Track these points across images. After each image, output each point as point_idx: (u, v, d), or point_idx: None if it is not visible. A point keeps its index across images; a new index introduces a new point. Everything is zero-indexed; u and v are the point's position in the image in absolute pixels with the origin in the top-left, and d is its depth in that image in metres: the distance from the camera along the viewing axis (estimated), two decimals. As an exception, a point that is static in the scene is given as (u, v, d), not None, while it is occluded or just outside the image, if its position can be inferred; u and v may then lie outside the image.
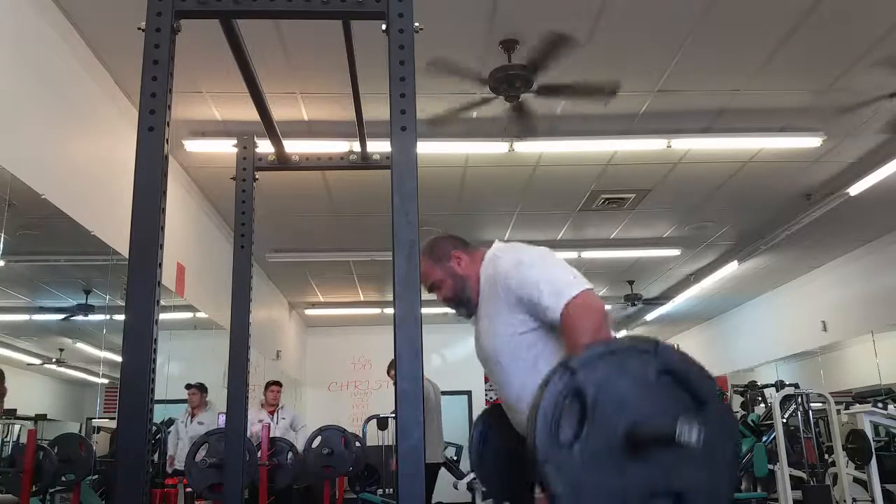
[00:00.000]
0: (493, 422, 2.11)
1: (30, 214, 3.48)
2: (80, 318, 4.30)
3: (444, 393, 5.54)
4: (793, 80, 4.33)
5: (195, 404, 5.68)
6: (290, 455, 5.14)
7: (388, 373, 5.58)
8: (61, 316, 4.33)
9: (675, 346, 6.23)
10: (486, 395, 10.62)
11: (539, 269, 1.84)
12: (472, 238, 2.21)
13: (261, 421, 5.82)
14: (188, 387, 5.69)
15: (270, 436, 5.12)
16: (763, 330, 9.87)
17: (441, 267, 2.04)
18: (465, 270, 2.03)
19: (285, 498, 6.25)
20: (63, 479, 3.72)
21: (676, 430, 1.11)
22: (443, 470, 7.05)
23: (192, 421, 5.63)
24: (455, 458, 7.53)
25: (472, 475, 7.13)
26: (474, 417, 10.30)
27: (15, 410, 3.85)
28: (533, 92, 4.09)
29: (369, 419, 7.70)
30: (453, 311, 2.13)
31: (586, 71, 4.06)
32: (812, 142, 4.98)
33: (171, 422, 5.70)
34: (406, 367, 1.27)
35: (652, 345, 1.26)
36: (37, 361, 4.34)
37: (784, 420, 5.61)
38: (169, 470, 5.32)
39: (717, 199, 6.18)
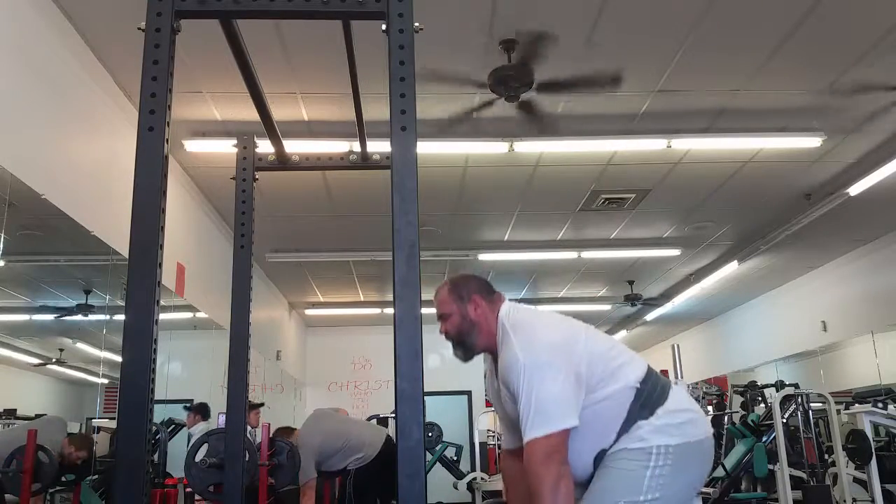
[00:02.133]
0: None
1: (30, 214, 3.48)
2: (79, 318, 4.30)
3: (444, 393, 5.55)
4: (793, 80, 4.33)
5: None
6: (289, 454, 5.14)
7: None
8: (62, 316, 4.32)
9: (677, 350, 6.12)
10: (487, 395, 10.62)
11: (527, 380, 1.77)
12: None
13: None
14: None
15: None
16: (763, 330, 9.87)
17: (458, 304, 2.02)
18: (477, 317, 2.00)
19: (285, 498, 6.24)
20: (63, 479, 3.72)
21: None
22: (443, 470, 7.06)
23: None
24: (455, 458, 7.52)
25: (472, 475, 7.14)
26: (474, 417, 10.34)
27: (15, 410, 3.85)
28: (535, 90, 4.10)
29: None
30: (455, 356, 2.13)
31: (586, 70, 4.06)
32: (812, 142, 4.98)
33: (170, 422, 5.70)
34: (406, 367, 1.27)
35: None
36: (37, 361, 4.33)
37: (784, 420, 5.61)
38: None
39: (717, 199, 6.18)
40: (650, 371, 1.88)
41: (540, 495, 1.67)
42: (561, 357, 1.80)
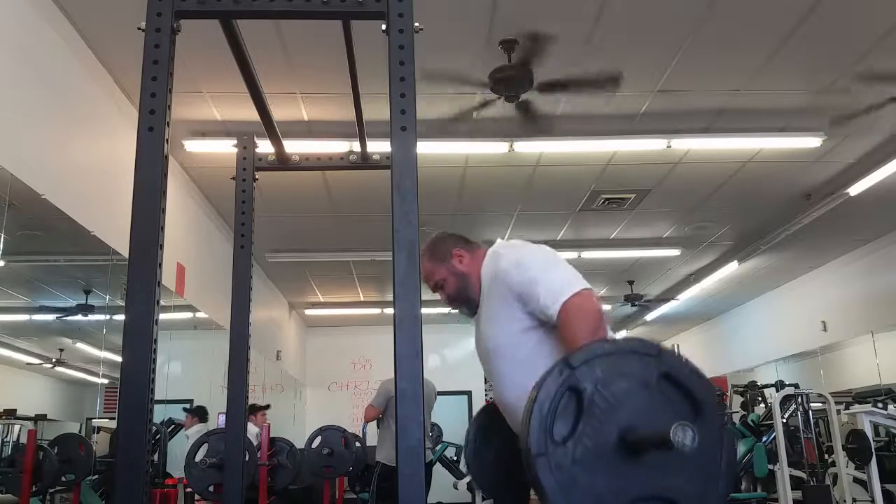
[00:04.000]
0: (489, 421, 2.10)
1: (30, 214, 3.48)
2: (79, 318, 4.30)
3: (444, 393, 5.55)
4: (793, 80, 4.33)
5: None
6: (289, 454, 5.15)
7: None
8: (62, 316, 4.32)
9: (677, 350, 6.22)
10: (486, 395, 10.62)
11: (538, 268, 1.83)
12: (472, 238, 2.20)
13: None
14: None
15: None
16: (763, 330, 9.87)
17: (444, 266, 2.03)
18: (466, 268, 2.01)
19: (285, 498, 6.25)
20: (63, 479, 3.72)
21: (671, 435, 1.10)
22: (443, 470, 7.06)
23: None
24: (455, 458, 7.52)
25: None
26: (474, 417, 10.34)
27: (15, 410, 3.85)
28: (535, 90, 4.09)
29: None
30: (455, 310, 2.12)
31: (586, 71, 4.06)
32: (812, 142, 4.98)
33: (170, 422, 5.70)
34: (406, 367, 1.27)
35: (654, 348, 1.26)
36: (37, 361, 4.33)
37: (784, 420, 5.61)
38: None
39: (717, 199, 6.18)
40: None
41: (577, 335, 1.67)
42: (558, 255, 1.90)
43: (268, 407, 6.40)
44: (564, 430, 1.17)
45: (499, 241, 2.05)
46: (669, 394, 1.23)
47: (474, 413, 10.59)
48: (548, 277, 1.79)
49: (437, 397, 5.82)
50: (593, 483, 1.17)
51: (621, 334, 11.76)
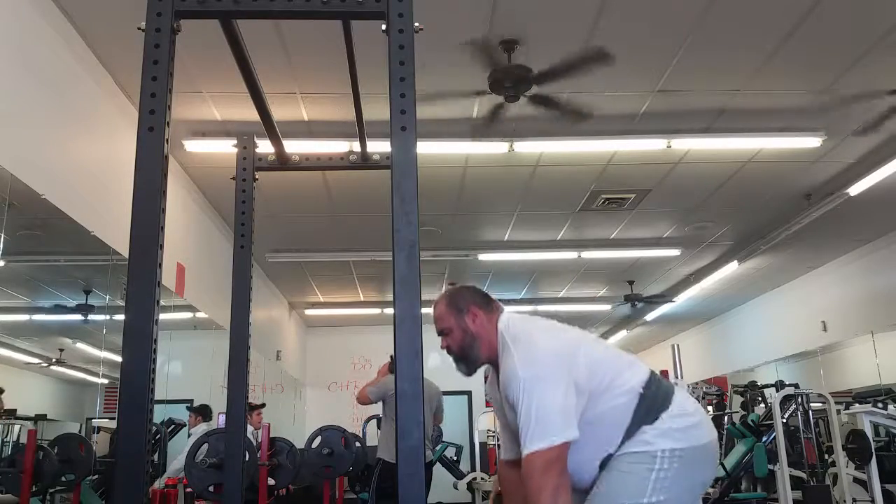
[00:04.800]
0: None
1: (30, 214, 3.48)
2: (79, 318, 4.30)
3: (444, 393, 5.54)
4: (793, 80, 4.33)
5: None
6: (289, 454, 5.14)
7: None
8: (61, 316, 4.32)
9: (678, 350, 6.10)
10: (487, 395, 10.60)
11: (527, 392, 1.76)
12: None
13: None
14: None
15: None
16: (763, 330, 9.87)
17: (456, 317, 2.00)
18: (477, 329, 1.98)
19: (285, 498, 6.24)
20: (63, 479, 3.72)
21: None
22: (443, 470, 7.05)
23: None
24: (455, 458, 7.52)
25: (472, 475, 7.14)
26: (474, 417, 10.32)
27: (15, 410, 3.85)
28: (527, 97, 4.10)
29: (369, 419, 7.69)
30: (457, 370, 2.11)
31: (586, 70, 4.06)
32: (812, 142, 4.98)
33: (170, 422, 5.70)
34: (406, 367, 1.27)
35: None
36: (37, 361, 4.33)
37: (784, 420, 5.61)
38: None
39: (717, 199, 6.18)
40: (653, 375, 1.87)
41: (539, 495, 1.67)
42: (561, 367, 1.79)
43: (263, 406, 6.40)
44: None
45: (505, 317, 1.98)
46: None
47: (474, 413, 10.60)
48: (530, 410, 1.74)
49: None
50: None
51: (621, 334, 11.77)
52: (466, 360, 2.02)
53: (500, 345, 1.93)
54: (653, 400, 1.80)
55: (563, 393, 1.76)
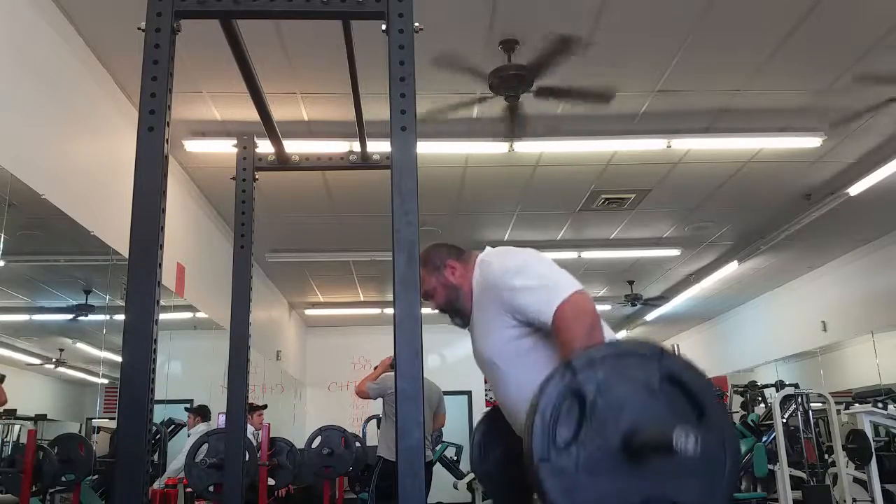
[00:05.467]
0: (495, 425, 2.10)
1: (30, 214, 3.48)
2: (79, 318, 4.30)
3: (444, 393, 5.54)
4: (793, 80, 4.33)
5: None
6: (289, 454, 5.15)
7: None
8: (62, 316, 4.32)
9: (678, 350, 6.20)
10: (486, 395, 10.62)
11: (527, 274, 1.82)
12: (472, 239, 2.20)
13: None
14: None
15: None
16: (763, 330, 9.87)
17: (435, 276, 2.02)
18: (458, 280, 2.01)
19: (285, 498, 6.25)
20: (63, 479, 3.72)
21: (674, 438, 1.10)
22: (443, 470, 7.05)
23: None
24: (455, 458, 7.52)
25: (472, 475, 7.13)
26: (474, 417, 10.31)
27: (15, 410, 3.85)
28: (532, 92, 4.09)
29: (369, 419, 7.69)
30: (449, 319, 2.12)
31: (585, 71, 4.06)
32: (812, 142, 4.98)
33: (170, 422, 5.70)
34: (406, 367, 1.27)
35: (657, 350, 1.25)
36: (37, 361, 4.33)
37: (784, 420, 5.61)
38: None
39: (717, 199, 6.18)
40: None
41: (574, 346, 1.62)
42: (547, 258, 1.88)
43: (264, 407, 6.40)
44: (567, 435, 1.16)
45: (487, 248, 2.04)
46: (672, 396, 1.22)
47: (474, 413, 10.61)
48: (538, 283, 1.78)
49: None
50: (596, 488, 1.16)
51: (621, 335, 11.77)
52: (457, 311, 2.04)
53: (479, 271, 1.97)
54: None
55: (560, 269, 1.83)
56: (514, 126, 4.41)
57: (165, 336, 1.36)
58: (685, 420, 1.16)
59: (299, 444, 5.78)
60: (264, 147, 2.43)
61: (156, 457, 5.28)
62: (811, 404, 5.89)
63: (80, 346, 4.68)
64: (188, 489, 4.65)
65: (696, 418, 1.20)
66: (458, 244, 2.14)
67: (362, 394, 5.16)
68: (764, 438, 5.74)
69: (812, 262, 8.20)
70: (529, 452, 1.14)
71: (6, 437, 4.04)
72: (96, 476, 4.10)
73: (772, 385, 6.77)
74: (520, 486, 1.93)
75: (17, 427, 4.00)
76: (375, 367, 5.25)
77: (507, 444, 2.00)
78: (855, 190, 5.64)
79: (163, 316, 1.31)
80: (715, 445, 1.19)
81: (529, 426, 1.15)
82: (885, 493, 4.91)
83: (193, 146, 4.75)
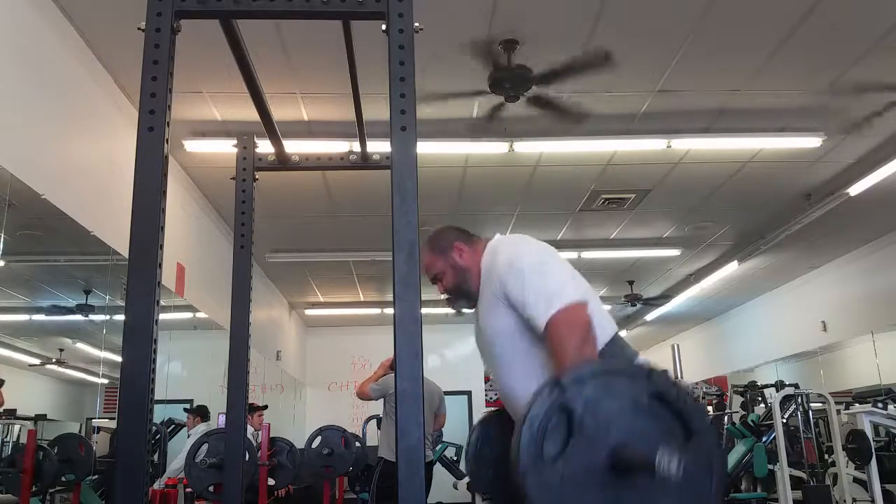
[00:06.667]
0: (492, 427, 2.11)
1: (30, 214, 3.48)
2: (79, 318, 4.30)
3: (444, 393, 5.54)
4: (793, 80, 4.33)
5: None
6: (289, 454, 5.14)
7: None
8: (61, 316, 4.32)
9: (677, 350, 6.14)
10: (486, 395, 10.63)
11: (529, 274, 1.79)
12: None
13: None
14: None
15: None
16: (763, 330, 9.87)
17: (443, 258, 2.01)
18: (466, 262, 2.00)
19: (285, 498, 6.24)
20: (63, 479, 3.72)
21: (656, 461, 1.11)
22: (443, 470, 7.05)
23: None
24: (455, 458, 7.52)
25: (472, 475, 7.13)
26: (474, 417, 10.31)
27: (15, 410, 3.85)
28: (536, 86, 4.09)
29: (369, 419, 7.69)
30: (453, 310, 2.11)
31: (588, 72, 4.06)
32: (812, 142, 4.98)
33: (170, 422, 5.70)
34: (406, 367, 1.27)
35: (644, 371, 1.27)
36: (37, 361, 4.33)
37: (784, 420, 5.61)
38: None
39: (717, 199, 6.18)
40: (617, 336, 1.86)
41: (564, 358, 1.62)
42: (556, 256, 1.85)
43: (265, 407, 6.40)
44: (554, 449, 1.18)
45: (498, 235, 2.03)
46: (660, 416, 1.23)
47: (474, 413, 10.60)
48: (538, 286, 1.75)
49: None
50: (582, 502, 1.18)
51: (621, 334, 11.76)
52: (465, 294, 2.02)
53: (489, 256, 1.95)
54: (610, 358, 1.79)
55: (568, 270, 1.81)
56: (513, 126, 4.42)
57: (165, 336, 1.36)
58: (673, 440, 1.17)
59: (299, 444, 5.78)
60: (264, 147, 2.43)
61: (156, 457, 5.28)
62: (811, 404, 5.89)
63: (80, 346, 4.68)
64: (188, 489, 4.64)
65: (684, 437, 1.21)
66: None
67: (364, 395, 5.16)
68: (764, 438, 5.74)
69: (812, 262, 8.20)
70: (517, 463, 1.16)
71: (6, 437, 4.04)
72: (96, 476, 4.10)
73: (772, 385, 6.77)
74: (513, 486, 1.93)
75: (17, 427, 3.99)
76: (375, 371, 5.25)
77: (503, 444, 2.00)
78: (855, 190, 5.64)
79: (163, 316, 1.31)
80: (702, 466, 1.20)
81: (518, 438, 1.17)
82: (885, 493, 4.91)
83: (193, 146, 4.75)
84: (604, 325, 1.81)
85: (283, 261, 7.36)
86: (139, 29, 1.40)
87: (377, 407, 5.52)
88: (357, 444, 6.11)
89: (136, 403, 1.23)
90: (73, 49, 3.62)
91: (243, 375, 2.24)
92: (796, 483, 5.40)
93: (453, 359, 10.36)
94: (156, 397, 1.27)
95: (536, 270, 1.80)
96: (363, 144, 2.45)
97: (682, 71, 4.15)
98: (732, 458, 5.74)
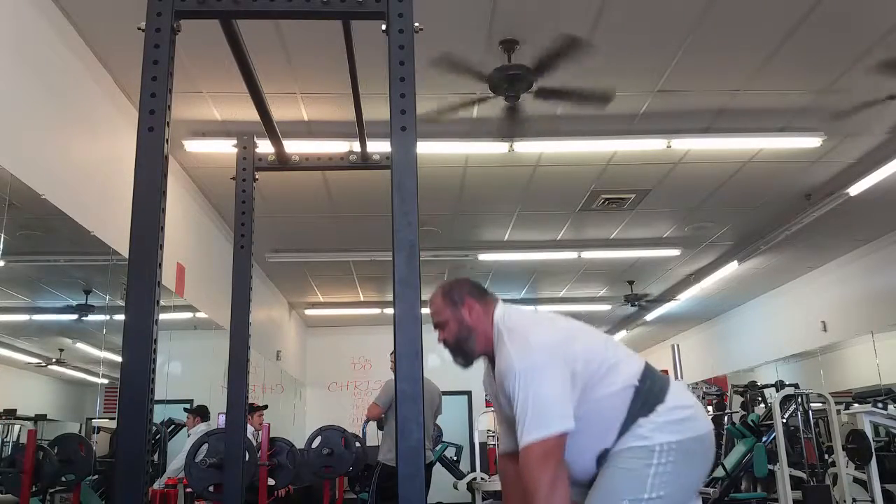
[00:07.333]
0: None
1: (30, 214, 3.48)
2: (79, 318, 4.30)
3: (444, 393, 5.54)
4: (793, 80, 4.33)
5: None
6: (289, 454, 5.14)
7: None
8: (61, 316, 4.32)
9: (677, 350, 6.10)
10: (486, 395, 10.60)
11: (523, 383, 1.76)
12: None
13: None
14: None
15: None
16: (763, 330, 9.87)
17: (452, 309, 1.99)
18: (473, 321, 1.97)
19: (285, 498, 6.24)
20: (63, 479, 3.72)
21: None
22: (443, 470, 7.05)
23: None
24: (455, 458, 7.52)
25: (472, 475, 7.14)
26: (474, 417, 10.33)
27: (15, 410, 3.85)
28: (532, 93, 4.09)
29: (369, 419, 7.67)
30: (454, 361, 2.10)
31: (585, 71, 4.05)
32: (812, 142, 4.98)
33: (170, 422, 5.70)
34: (406, 367, 1.27)
35: None
36: (37, 361, 4.33)
37: (784, 420, 5.61)
38: None
39: (717, 199, 6.18)
40: (648, 368, 1.87)
41: (536, 497, 1.67)
42: (556, 358, 1.79)
43: (265, 407, 6.40)
44: None
45: (501, 309, 1.97)
46: None
47: (474, 413, 10.60)
48: (525, 405, 1.74)
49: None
50: None
51: (621, 335, 11.76)
52: (463, 353, 2.02)
53: (496, 336, 1.93)
54: (648, 393, 1.80)
55: (560, 384, 1.76)
56: (513, 126, 4.41)
57: (165, 336, 1.36)
58: None
59: (299, 444, 5.77)
60: (264, 147, 2.43)
61: (156, 457, 5.28)
62: (811, 404, 5.89)
63: (80, 346, 4.68)
64: (188, 489, 4.64)
65: None
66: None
67: (375, 415, 5.18)
68: (764, 438, 5.74)
69: (812, 262, 8.20)
70: None
71: (6, 437, 4.03)
72: (96, 476, 4.10)
73: (772, 385, 6.76)
74: None
75: (17, 427, 3.99)
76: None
77: None
78: (855, 190, 5.64)
79: (163, 316, 1.31)
80: None
81: None
82: (885, 493, 4.91)
83: (193, 146, 4.75)
84: (632, 364, 1.85)
85: (283, 261, 7.36)
86: (139, 29, 1.40)
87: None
88: (357, 444, 6.10)
89: (136, 403, 1.23)
90: (73, 49, 3.62)
91: (243, 375, 2.24)
92: (796, 483, 5.40)
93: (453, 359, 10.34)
94: (156, 397, 1.27)
95: (529, 379, 1.76)
96: (363, 144, 2.45)
97: (682, 71, 4.16)
98: (732, 459, 5.74)
